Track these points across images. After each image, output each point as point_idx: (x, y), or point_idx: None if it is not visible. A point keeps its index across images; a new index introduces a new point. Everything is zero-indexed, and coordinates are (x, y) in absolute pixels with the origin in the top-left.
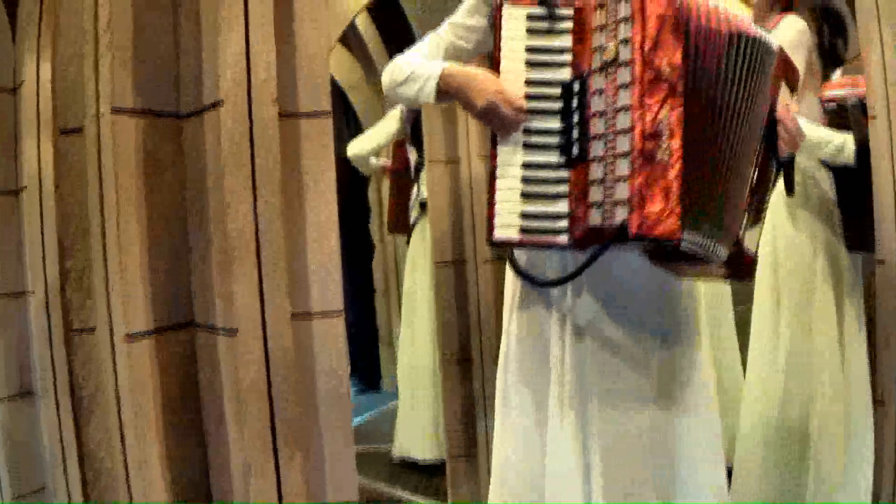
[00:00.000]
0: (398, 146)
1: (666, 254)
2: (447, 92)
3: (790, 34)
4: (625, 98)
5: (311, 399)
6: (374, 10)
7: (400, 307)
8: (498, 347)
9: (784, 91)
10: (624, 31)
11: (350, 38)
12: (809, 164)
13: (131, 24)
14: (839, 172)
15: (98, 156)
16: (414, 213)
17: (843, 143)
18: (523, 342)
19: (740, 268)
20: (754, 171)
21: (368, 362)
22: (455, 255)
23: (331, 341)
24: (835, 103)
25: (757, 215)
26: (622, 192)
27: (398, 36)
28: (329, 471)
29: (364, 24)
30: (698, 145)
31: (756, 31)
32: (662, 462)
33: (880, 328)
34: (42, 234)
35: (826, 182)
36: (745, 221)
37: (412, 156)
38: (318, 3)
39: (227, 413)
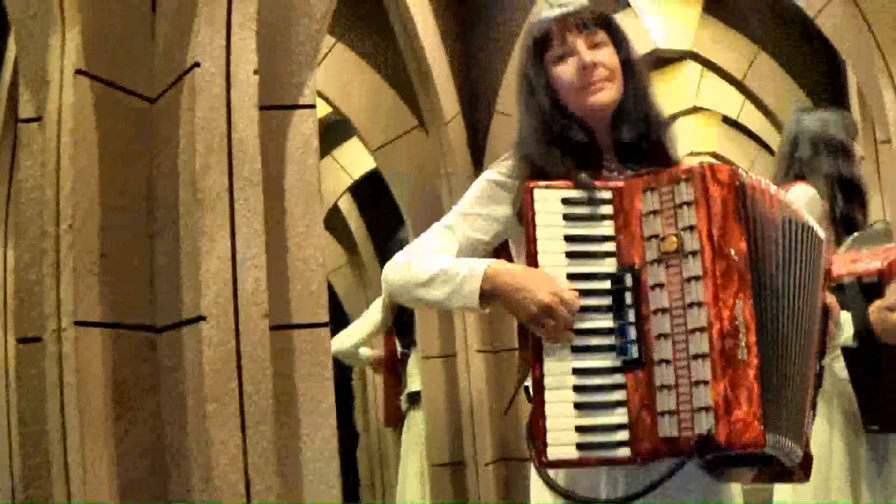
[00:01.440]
0: (388, 336)
1: (730, 461)
2: (493, 293)
3: (801, 202)
4: (696, 293)
5: None
6: (357, 191)
7: (385, 498)
8: None
9: None
10: (686, 216)
11: (333, 221)
12: None
13: (98, 225)
14: (849, 353)
15: (59, 378)
16: (403, 406)
17: (842, 324)
18: None
19: (803, 467)
20: (816, 361)
21: None
22: (453, 457)
23: None
24: (832, 283)
25: (813, 410)
26: (703, 397)
27: (383, 218)
28: None
29: (347, 206)
30: (768, 338)
31: (806, 216)
32: None
33: None
34: (10, 447)
35: (837, 364)
36: (810, 417)
37: (398, 346)
38: (312, 197)
39: None
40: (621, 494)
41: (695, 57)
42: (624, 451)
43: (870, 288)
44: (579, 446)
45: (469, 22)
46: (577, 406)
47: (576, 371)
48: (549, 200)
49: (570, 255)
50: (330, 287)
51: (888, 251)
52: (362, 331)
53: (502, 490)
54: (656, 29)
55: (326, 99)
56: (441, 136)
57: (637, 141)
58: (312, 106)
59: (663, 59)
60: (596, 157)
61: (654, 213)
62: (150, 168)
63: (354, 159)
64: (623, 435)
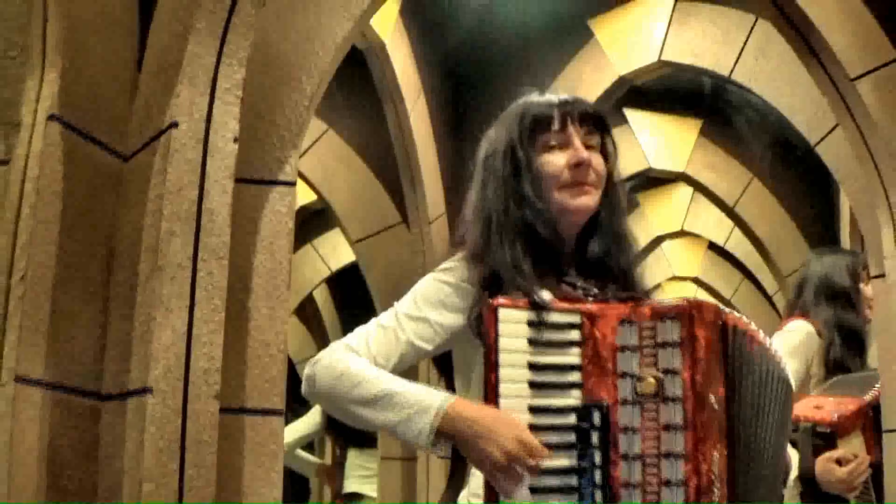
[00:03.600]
0: (336, 451)
1: None
2: (450, 436)
3: (797, 337)
4: (673, 443)
5: None
6: (334, 283)
7: None
8: None
9: None
10: (669, 358)
11: (306, 311)
12: None
13: (52, 281)
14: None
15: None
16: None
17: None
18: None
19: None
20: None
21: None
22: None
23: None
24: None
25: None
26: None
27: (358, 313)
28: None
29: (322, 297)
30: (738, 489)
31: (781, 360)
32: None
33: None
34: None
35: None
36: None
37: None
38: (280, 280)
39: None
40: None
41: (687, 179)
42: None
43: (822, 436)
44: None
45: (463, 123)
46: None
47: None
48: (513, 323)
49: (533, 385)
50: (297, 377)
51: (849, 404)
52: (298, 431)
53: None
54: (651, 148)
55: (312, 185)
56: (423, 234)
57: (602, 257)
58: (292, 184)
59: (656, 180)
60: (558, 266)
61: (632, 348)
62: (115, 228)
63: (334, 250)
64: None
